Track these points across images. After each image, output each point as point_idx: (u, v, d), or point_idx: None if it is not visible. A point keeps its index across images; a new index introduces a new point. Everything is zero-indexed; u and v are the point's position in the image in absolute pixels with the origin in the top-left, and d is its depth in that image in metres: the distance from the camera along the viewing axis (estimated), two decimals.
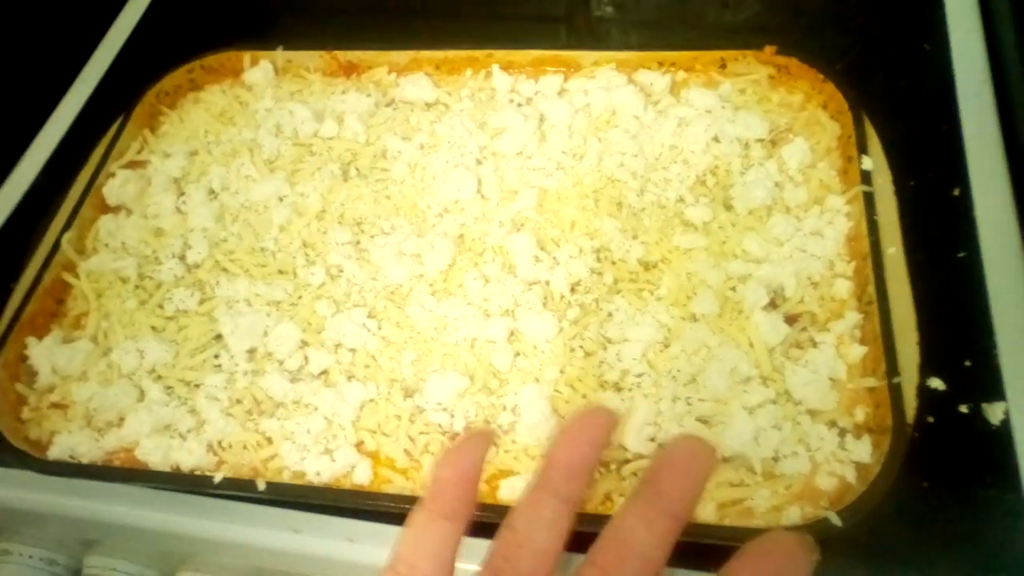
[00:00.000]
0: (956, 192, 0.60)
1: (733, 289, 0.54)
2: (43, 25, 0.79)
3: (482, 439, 0.34)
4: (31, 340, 0.57)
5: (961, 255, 0.57)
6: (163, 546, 0.56)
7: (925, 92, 0.69)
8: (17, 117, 0.76)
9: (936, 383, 0.51)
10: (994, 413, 0.50)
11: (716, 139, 0.61)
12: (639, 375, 0.51)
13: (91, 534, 0.57)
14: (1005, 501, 0.48)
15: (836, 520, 0.43)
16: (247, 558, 0.54)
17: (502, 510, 0.47)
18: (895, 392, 0.47)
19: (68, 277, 0.61)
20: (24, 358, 0.57)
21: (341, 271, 0.58)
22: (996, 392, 0.51)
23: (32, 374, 0.56)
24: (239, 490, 0.50)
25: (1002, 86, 0.65)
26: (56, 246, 0.61)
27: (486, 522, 0.47)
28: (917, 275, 0.52)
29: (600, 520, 0.45)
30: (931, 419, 0.50)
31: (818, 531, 0.44)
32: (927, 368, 0.50)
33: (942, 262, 0.56)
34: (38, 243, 0.62)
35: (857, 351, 0.50)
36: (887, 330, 0.49)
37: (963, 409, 0.51)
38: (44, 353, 0.56)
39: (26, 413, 0.55)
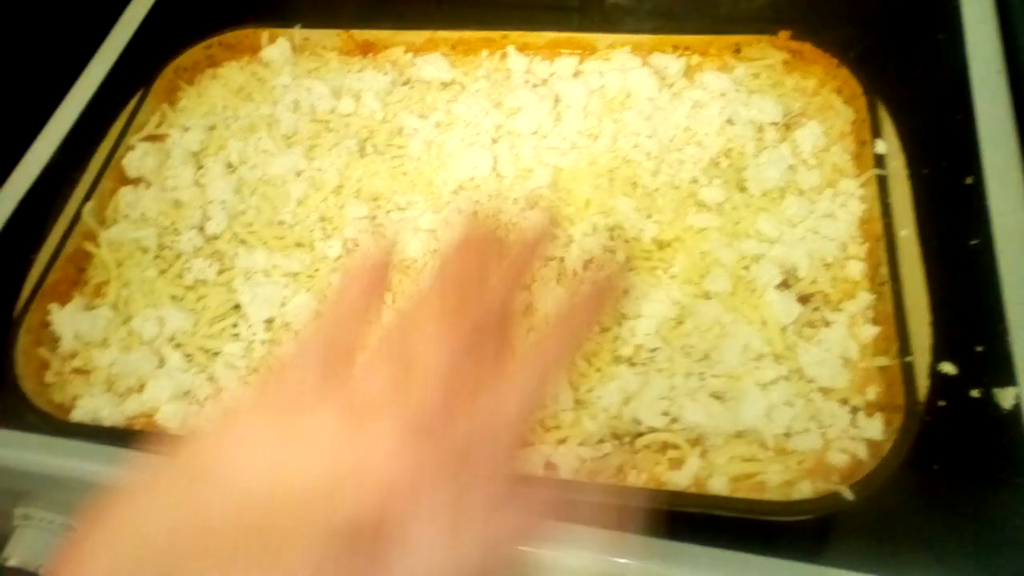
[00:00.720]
0: (969, 180, 0.60)
1: (746, 268, 0.54)
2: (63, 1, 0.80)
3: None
4: (53, 307, 0.58)
5: (974, 242, 0.57)
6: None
7: (939, 81, 0.69)
8: (37, 91, 0.76)
9: (948, 368, 0.51)
10: (1005, 398, 0.50)
11: (730, 121, 0.62)
12: (653, 350, 0.52)
13: None
14: (1015, 485, 0.48)
15: (848, 494, 0.44)
16: None
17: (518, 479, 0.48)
18: (907, 371, 0.48)
19: (89, 247, 0.61)
20: (47, 324, 0.57)
21: (357, 245, 0.59)
22: (1008, 377, 0.51)
23: (55, 340, 0.57)
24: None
25: (1016, 75, 0.65)
26: (77, 216, 0.62)
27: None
28: (930, 260, 0.53)
29: (614, 491, 0.47)
30: (942, 403, 0.50)
31: (830, 505, 0.45)
32: (939, 353, 0.50)
33: (955, 248, 0.57)
34: (59, 214, 0.62)
35: (869, 331, 0.51)
36: (900, 310, 0.50)
37: (975, 394, 0.51)
38: (66, 319, 0.57)
39: (49, 377, 0.56)
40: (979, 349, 0.53)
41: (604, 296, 0.33)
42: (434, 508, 0.26)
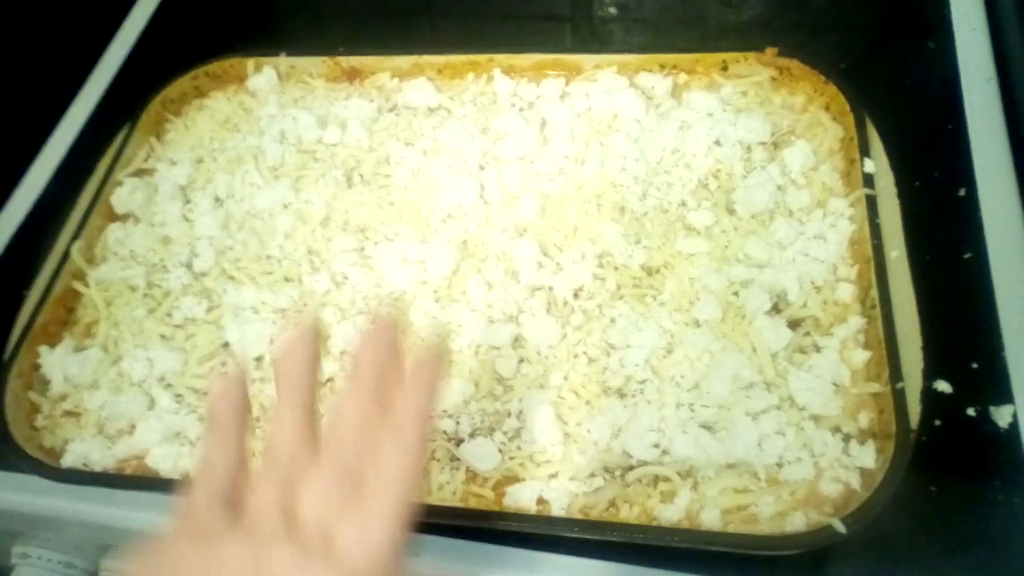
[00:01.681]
0: (962, 192, 0.60)
1: (736, 294, 0.54)
2: (48, 34, 0.80)
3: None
4: (43, 349, 0.58)
5: (967, 256, 0.57)
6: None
7: (930, 91, 0.69)
8: (25, 126, 0.76)
9: (943, 386, 0.51)
10: (1002, 416, 0.50)
11: (718, 142, 0.61)
12: (642, 381, 0.51)
13: (106, 539, 0.58)
14: (1014, 504, 0.48)
15: (840, 527, 0.44)
16: None
17: (509, 517, 0.48)
18: (899, 397, 0.47)
19: (78, 286, 0.61)
20: (37, 367, 0.57)
21: (346, 278, 0.59)
22: (1004, 395, 0.51)
23: (45, 383, 0.57)
24: None
25: (1008, 84, 0.65)
26: (66, 255, 0.62)
27: (492, 529, 0.48)
28: (923, 277, 0.52)
29: (602, 527, 0.47)
30: (938, 422, 0.50)
31: (822, 538, 0.44)
32: (934, 371, 0.50)
33: (948, 263, 0.56)
34: (48, 252, 0.63)
35: (860, 356, 0.50)
36: (890, 335, 0.50)
37: (970, 412, 0.51)
38: (56, 362, 0.57)
39: (40, 421, 0.56)
40: (974, 366, 0.52)
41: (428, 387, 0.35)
42: None
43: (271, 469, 0.32)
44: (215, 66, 0.74)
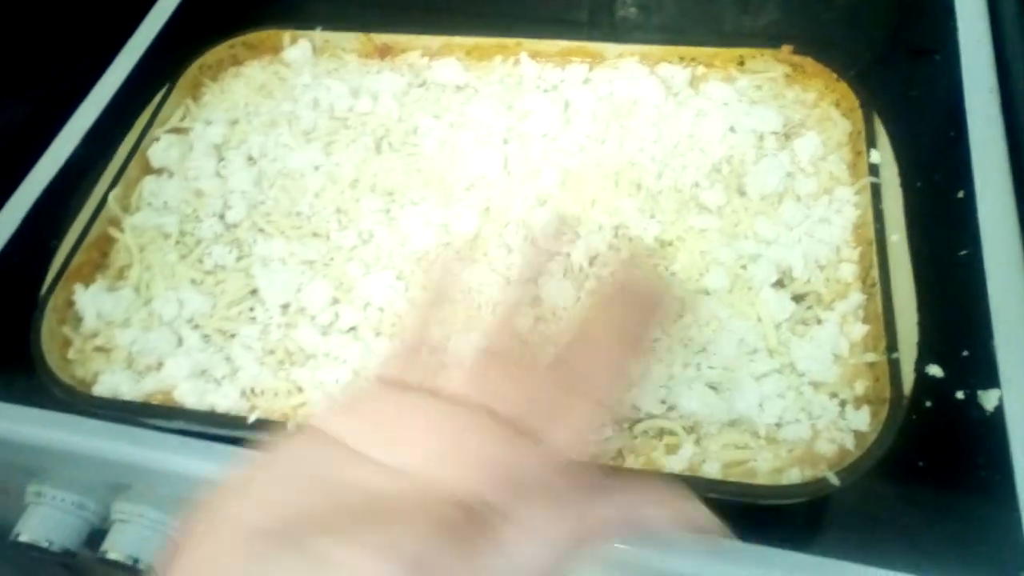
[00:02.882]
0: (961, 195, 0.63)
1: (744, 267, 0.57)
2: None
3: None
4: (78, 287, 0.60)
5: (963, 253, 0.60)
6: (192, 494, 0.58)
7: (935, 99, 0.72)
8: (65, 81, 0.79)
9: (935, 370, 0.53)
10: (988, 400, 0.53)
11: (732, 130, 0.65)
12: (654, 340, 0.54)
13: (121, 479, 0.60)
14: (994, 482, 0.50)
15: (834, 480, 0.46)
16: None
17: None
18: (894, 367, 0.50)
19: (113, 231, 0.64)
20: (71, 304, 0.60)
21: (372, 236, 0.62)
22: (991, 380, 0.53)
23: (78, 319, 0.60)
24: (270, 431, 0.53)
25: (1008, 96, 0.68)
26: (103, 203, 0.64)
27: None
28: (921, 267, 0.55)
29: (612, 472, 0.49)
30: (928, 404, 0.53)
31: (817, 489, 0.47)
32: (926, 354, 0.52)
33: (944, 258, 0.59)
34: (85, 200, 0.65)
35: (859, 329, 0.53)
36: (888, 310, 0.52)
37: (959, 395, 0.53)
38: (90, 300, 0.59)
39: (72, 354, 0.58)
40: (965, 353, 0.55)
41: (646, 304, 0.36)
42: (532, 511, 0.27)
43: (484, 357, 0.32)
44: (252, 36, 0.77)
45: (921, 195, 0.61)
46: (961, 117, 0.67)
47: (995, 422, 0.53)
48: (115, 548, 0.58)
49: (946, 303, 0.56)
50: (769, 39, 0.79)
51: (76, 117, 0.74)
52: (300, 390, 0.55)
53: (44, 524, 0.60)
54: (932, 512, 0.51)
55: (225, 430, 0.54)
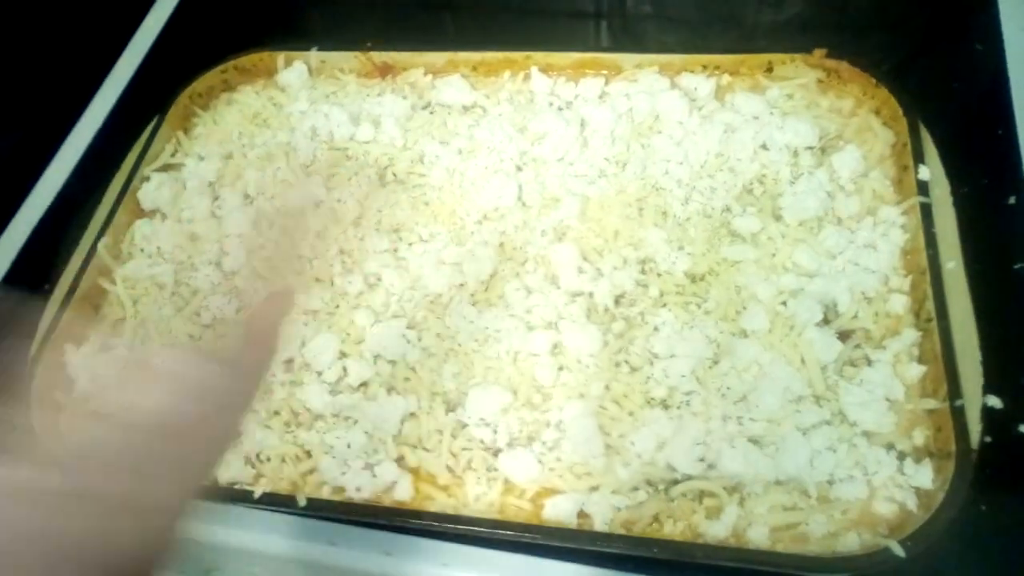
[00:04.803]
0: (1012, 200, 0.58)
1: (784, 304, 0.52)
2: (72, 24, 0.78)
3: None
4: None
5: (1018, 266, 0.55)
6: (195, 554, 0.55)
7: (977, 94, 0.67)
8: (47, 115, 0.75)
9: (993, 401, 0.49)
10: None
11: (764, 146, 0.60)
12: (688, 393, 0.50)
13: None
14: None
15: (899, 550, 0.42)
16: (280, 569, 0.53)
17: (549, 531, 0.46)
18: (958, 415, 0.46)
19: (105, 283, 0.60)
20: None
21: (379, 279, 0.57)
22: None
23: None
24: (279, 505, 0.49)
25: None
26: (92, 251, 0.60)
27: (529, 543, 0.47)
28: (978, 292, 0.50)
29: (646, 543, 0.45)
30: (988, 438, 0.48)
31: (879, 561, 0.42)
32: (985, 385, 0.48)
33: (998, 274, 0.54)
34: (74, 247, 0.61)
35: (915, 370, 0.49)
36: (948, 349, 0.48)
37: (1022, 429, 0.49)
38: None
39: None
40: None
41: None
42: None
43: None
44: (244, 60, 0.72)
45: (969, 203, 0.56)
46: (1008, 112, 0.62)
47: None
48: None
49: (1002, 326, 0.51)
50: (794, 34, 0.74)
51: (58, 157, 0.69)
52: (308, 455, 0.51)
53: None
54: (1005, 564, 0.46)
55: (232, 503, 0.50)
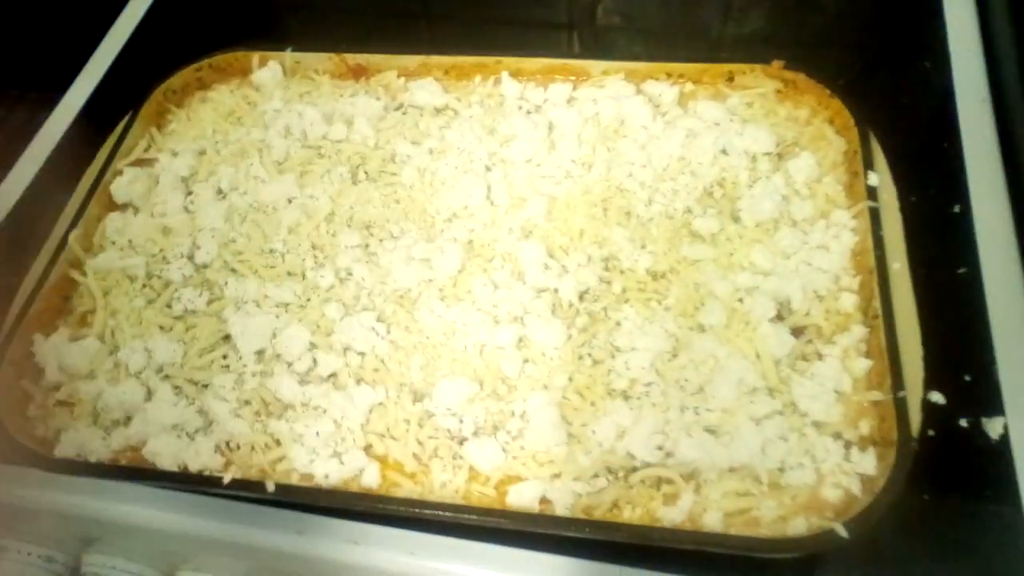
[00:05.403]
0: (957, 209, 0.61)
1: (740, 300, 0.55)
2: (49, 16, 0.79)
3: None
4: (37, 337, 0.57)
5: (961, 271, 0.58)
6: (164, 545, 0.55)
7: (926, 109, 0.70)
8: (20, 108, 0.75)
9: (937, 397, 0.51)
10: (993, 427, 0.51)
11: (724, 151, 0.62)
12: (647, 384, 0.52)
13: (91, 532, 0.56)
14: (1003, 514, 0.48)
15: (842, 531, 0.44)
16: (249, 558, 0.54)
17: (512, 515, 0.48)
18: (900, 406, 0.48)
19: (75, 275, 0.60)
20: (31, 355, 0.56)
21: (350, 274, 0.59)
22: (995, 407, 0.51)
23: (38, 371, 0.56)
24: (248, 491, 0.50)
25: (1001, 105, 0.66)
26: (63, 243, 0.61)
27: (493, 528, 0.48)
28: (920, 289, 0.53)
29: (605, 527, 0.47)
30: (932, 432, 0.51)
31: (825, 541, 0.45)
32: (929, 382, 0.50)
33: (943, 278, 0.57)
34: (44, 240, 0.62)
35: (862, 364, 0.51)
36: (892, 344, 0.50)
37: (963, 423, 0.51)
38: (51, 351, 0.56)
39: (32, 410, 0.55)
40: (967, 379, 0.53)
41: None
42: None
43: None
44: (219, 59, 0.73)
45: (917, 211, 0.59)
46: (954, 126, 0.65)
47: (1000, 450, 0.51)
48: None
49: (946, 326, 0.54)
50: (754, 48, 0.78)
51: (31, 149, 0.69)
52: (278, 443, 0.52)
53: None
54: (941, 552, 0.49)
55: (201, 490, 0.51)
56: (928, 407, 0.51)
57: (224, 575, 0.55)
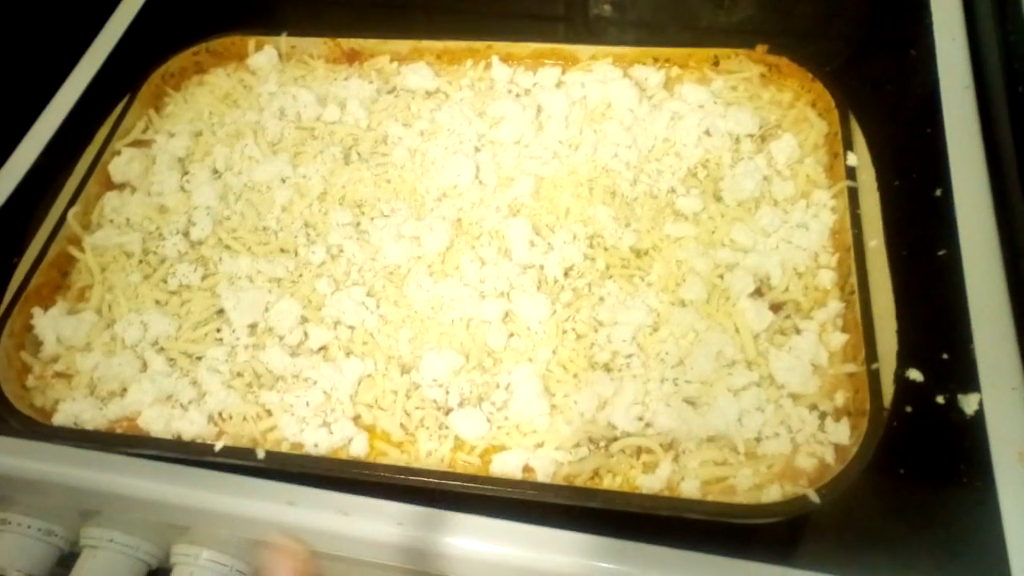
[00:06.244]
0: (938, 193, 0.62)
1: (721, 277, 0.56)
2: (51, 3, 0.80)
3: None
4: (36, 311, 0.58)
5: (941, 253, 0.59)
6: (160, 517, 0.57)
7: (911, 96, 0.71)
8: (22, 93, 0.77)
9: (915, 374, 0.53)
10: (969, 404, 0.52)
11: (708, 133, 0.63)
12: (628, 356, 0.53)
13: (90, 504, 0.58)
14: (976, 488, 0.50)
15: (814, 497, 0.45)
16: (244, 530, 0.55)
17: (495, 481, 0.49)
18: (873, 378, 0.49)
19: (73, 251, 0.62)
20: (30, 328, 0.58)
21: (341, 251, 0.60)
22: (971, 384, 0.53)
23: (37, 343, 0.58)
24: (239, 459, 0.51)
25: (984, 92, 0.67)
26: (62, 220, 0.62)
27: (476, 494, 0.49)
28: (899, 270, 0.54)
29: (586, 494, 0.48)
30: (909, 409, 0.52)
31: (797, 508, 0.46)
32: (908, 359, 0.52)
33: (924, 259, 0.59)
34: (44, 218, 0.63)
35: (838, 338, 0.52)
36: (867, 319, 0.52)
37: (940, 400, 0.53)
38: (49, 323, 0.57)
39: (30, 381, 0.56)
40: (945, 356, 0.54)
41: None
42: None
43: None
44: (216, 43, 0.74)
45: (899, 195, 0.60)
46: (937, 113, 0.66)
47: (976, 426, 0.52)
48: (85, 573, 0.57)
49: (926, 306, 0.55)
50: (744, 36, 0.79)
51: (34, 130, 0.71)
52: (269, 413, 0.54)
53: (11, 551, 0.58)
54: (914, 522, 0.50)
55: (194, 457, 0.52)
56: (906, 384, 0.52)
57: (219, 548, 0.56)
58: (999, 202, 0.60)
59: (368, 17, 0.81)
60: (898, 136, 0.66)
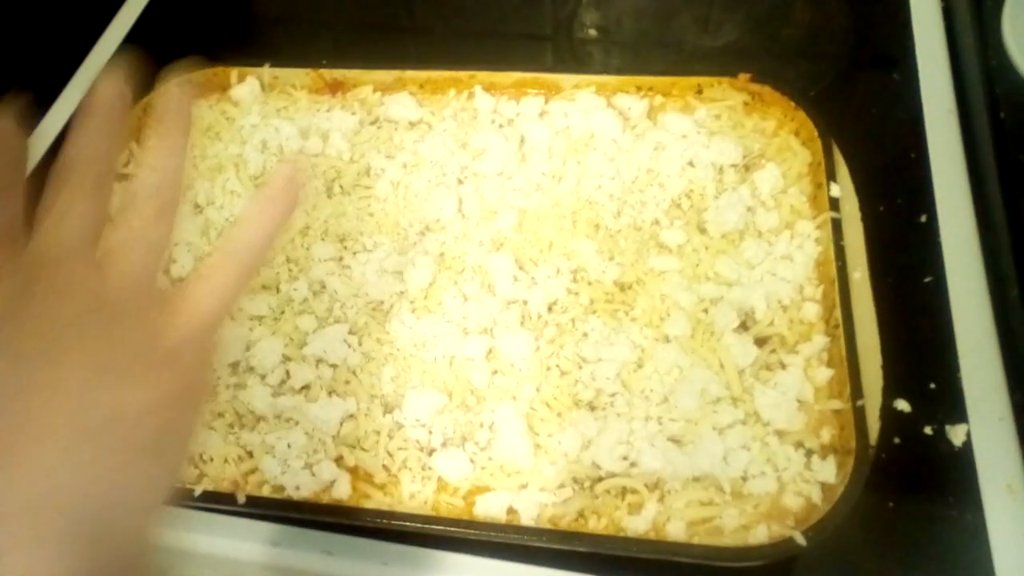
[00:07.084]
0: (923, 219, 0.62)
1: (705, 311, 0.56)
2: (30, 35, 0.80)
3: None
4: None
5: (927, 280, 0.59)
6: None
7: (894, 121, 0.71)
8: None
9: (902, 405, 0.53)
10: (956, 435, 0.52)
11: (691, 163, 0.63)
12: (613, 394, 0.52)
13: None
14: (966, 521, 0.50)
15: (801, 540, 0.45)
16: (224, 571, 0.54)
17: (479, 525, 0.49)
18: (859, 414, 0.49)
19: None
20: None
21: (323, 287, 0.60)
22: (959, 414, 0.53)
23: None
24: (219, 503, 0.51)
25: (967, 116, 0.67)
26: None
27: (460, 538, 0.49)
28: (885, 299, 0.54)
29: (570, 537, 0.47)
30: (897, 440, 0.52)
31: (784, 551, 0.45)
32: (895, 390, 0.52)
33: (909, 287, 0.59)
34: None
35: (824, 374, 0.52)
36: (852, 354, 0.51)
37: (927, 431, 0.53)
38: None
39: None
40: (932, 387, 0.54)
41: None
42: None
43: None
44: (198, 75, 0.74)
45: (884, 221, 0.60)
46: (921, 138, 0.66)
47: (963, 457, 0.52)
48: None
49: (912, 335, 0.55)
50: (728, 60, 0.79)
51: None
52: (250, 455, 0.53)
53: None
54: (903, 558, 0.50)
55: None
56: (894, 415, 0.52)
57: None
58: (983, 226, 0.60)
59: (351, 46, 0.80)
60: (882, 161, 0.66)
